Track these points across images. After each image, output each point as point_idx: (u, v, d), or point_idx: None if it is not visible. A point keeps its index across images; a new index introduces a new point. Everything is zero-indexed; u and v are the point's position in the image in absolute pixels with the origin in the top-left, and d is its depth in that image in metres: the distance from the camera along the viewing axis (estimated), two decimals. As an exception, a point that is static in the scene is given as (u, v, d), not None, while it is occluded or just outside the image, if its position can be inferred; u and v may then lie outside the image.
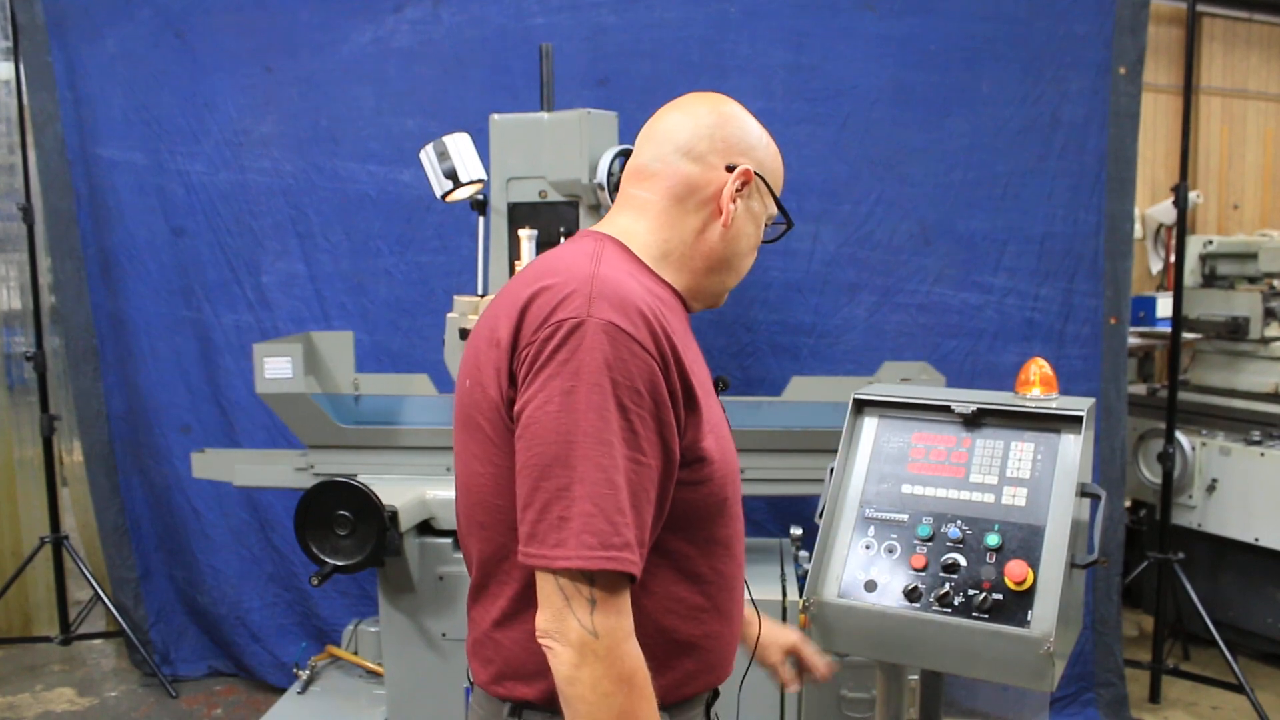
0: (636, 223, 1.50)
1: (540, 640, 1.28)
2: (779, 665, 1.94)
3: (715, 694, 1.59)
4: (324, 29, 4.07)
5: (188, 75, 4.10)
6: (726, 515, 1.45)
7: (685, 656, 1.44)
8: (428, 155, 3.14)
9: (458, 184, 3.10)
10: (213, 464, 3.52)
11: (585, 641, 1.25)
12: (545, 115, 3.17)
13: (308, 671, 3.49)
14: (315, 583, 2.83)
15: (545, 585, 1.27)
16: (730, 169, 1.49)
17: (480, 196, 3.21)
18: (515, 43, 3.91)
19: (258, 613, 4.23)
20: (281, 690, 3.70)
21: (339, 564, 2.85)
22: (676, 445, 1.32)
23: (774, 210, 1.58)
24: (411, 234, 4.04)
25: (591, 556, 1.23)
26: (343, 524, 2.84)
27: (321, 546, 2.86)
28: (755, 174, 1.51)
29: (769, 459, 3.18)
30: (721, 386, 1.61)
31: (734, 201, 1.49)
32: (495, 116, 3.21)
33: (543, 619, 1.28)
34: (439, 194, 3.14)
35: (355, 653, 3.55)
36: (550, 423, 1.26)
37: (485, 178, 3.17)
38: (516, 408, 1.31)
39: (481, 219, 3.24)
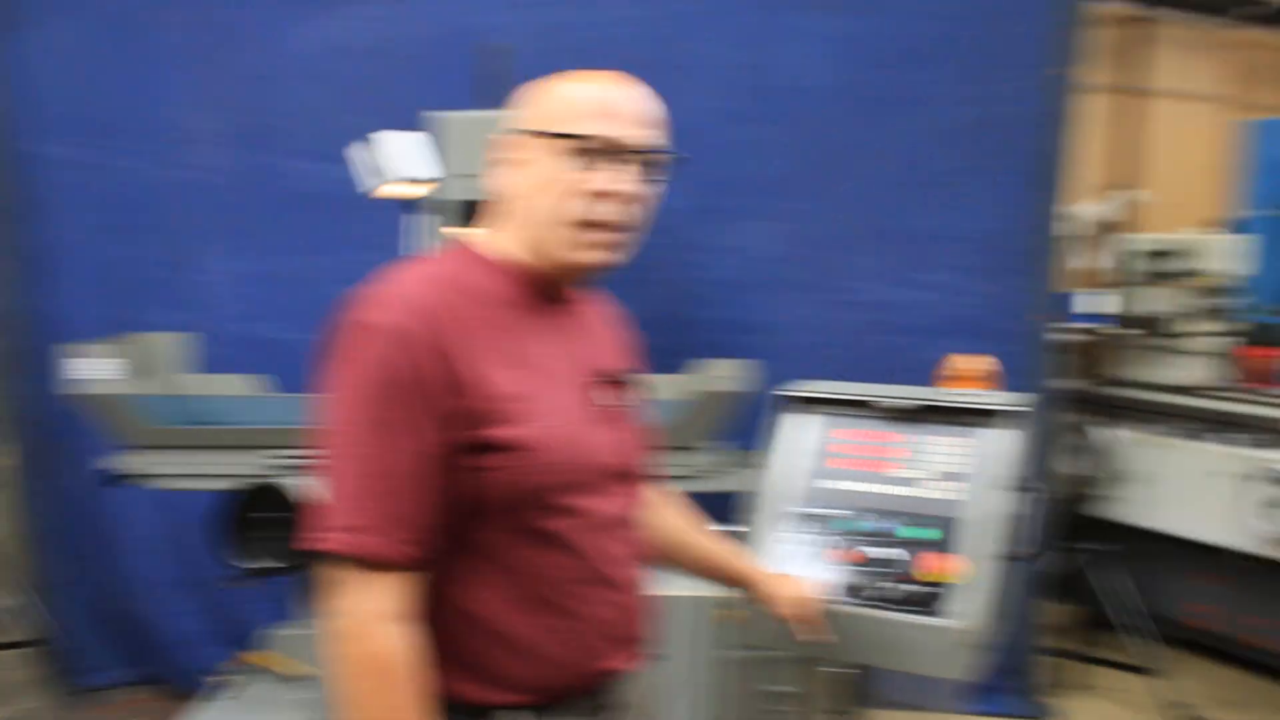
0: (491, 221, 1.57)
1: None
2: (797, 617, 1.97)
3: (611, 703, 1.57)
4: (269, 25, 4.03)
5: (128, 70, 4.03)
6: (550, 506, 1.44)
7: (510, 651, 1.45)
8: (368, 152, 3.13)
9: (399, 181, 3.10)
10: (133, 467, 3.45)
11: (341, 621, 1.35)
12: (492, 113, 3.16)
13: (226, 677, 3.45)
14: (231, 586, 2.80)
15: (322, 566, 1.38)
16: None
17: (420, 195, 3.20)
18: (460, 40, 3.87)
19: (175, 619, 4.16)
20: (200, 697, 3.65)
21: (259, 567, 2.83)
22: (453, 431, 1.37)
23: (567, 144, 1.46)
24: (350, 232, 3.97)
25: (325, 539, 1.35)
26: (259, 525, 2.82)
27: (241, 550, 2.83)
28: (520, 134, 1.50)
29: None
30: (615, 380, 1.60)
31: (509, 169, 1.52)
32: (440, 114, 3.20)
33: (321, 598, 1.38)
34: (377, 191, 3.14)
35: (274, 657, 3.51)
36: (326, 416, 1.39)
37: (428, 175, 3.16)
38: None
39: (421, 217, 3.23)
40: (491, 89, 3.25)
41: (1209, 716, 4.15)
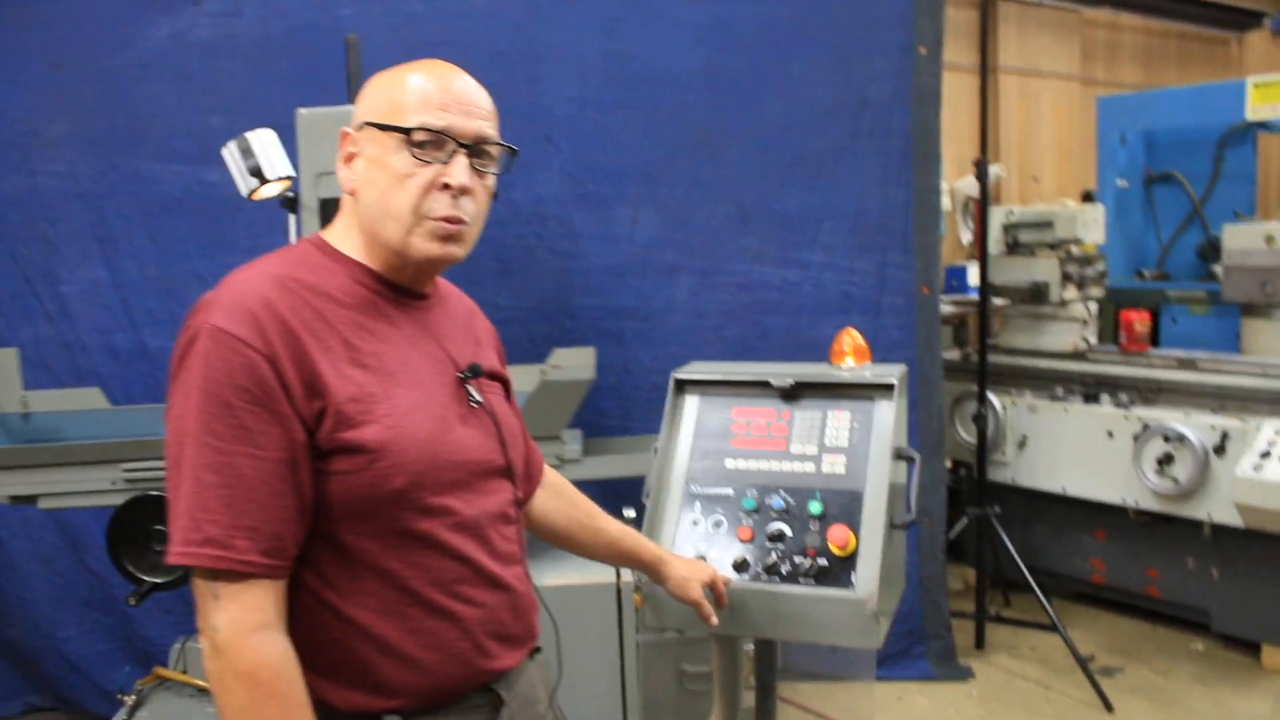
0: (338, 219, 1.55)
1: None
2: (700, 601, 1.98)
3: (498, 702, 1.53)
4: (117, 23, 3.85)
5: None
6: (414, 508, 1.41)
7: (389, 657, 1.41)
8: (231, 153, 3.02)
9: (264, 181, 3.00)
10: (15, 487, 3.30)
11: (209, 635, 1.31)
12: (353, 108, 3.09)
13: (134, 696, 3.32)
14: (133, 602, 2.71)
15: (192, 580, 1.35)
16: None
17: (290, 194, 3.11)
18: (322, 34, 3.79)
19: (75, 641, 3.97)
20: (113, 718, 3.53)
21: (158, 581, 2.73)
22: (301, 435, 1.34)
23: (394, 136, 1.43)
24: (221, 235, 3.87)
25: (177, 553, 1.31)
26: (159, 538, 2.72)
27: (138, 564, 2.74)
28: (354, 129, 1.48)
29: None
30: (481, 375, 1.57)
31: (347, 165, 1.49)
32: (302, 111, 3.11)
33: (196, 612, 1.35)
34: (245, 192, 3.03)
35: (184, 671, 3.40)
36: (170, 427, 1.35)
37: (293, 174, 3.07)
38: None
39: (292, 217, 3.14)
40: (351, 83, 3.18)
41: (1109, 665, 4.33)
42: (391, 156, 1.43)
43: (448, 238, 1.46)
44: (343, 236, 1.51)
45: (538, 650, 1.66)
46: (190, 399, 1.31)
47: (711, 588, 2.01)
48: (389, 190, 1.44)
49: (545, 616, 1.69)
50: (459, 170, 1.44)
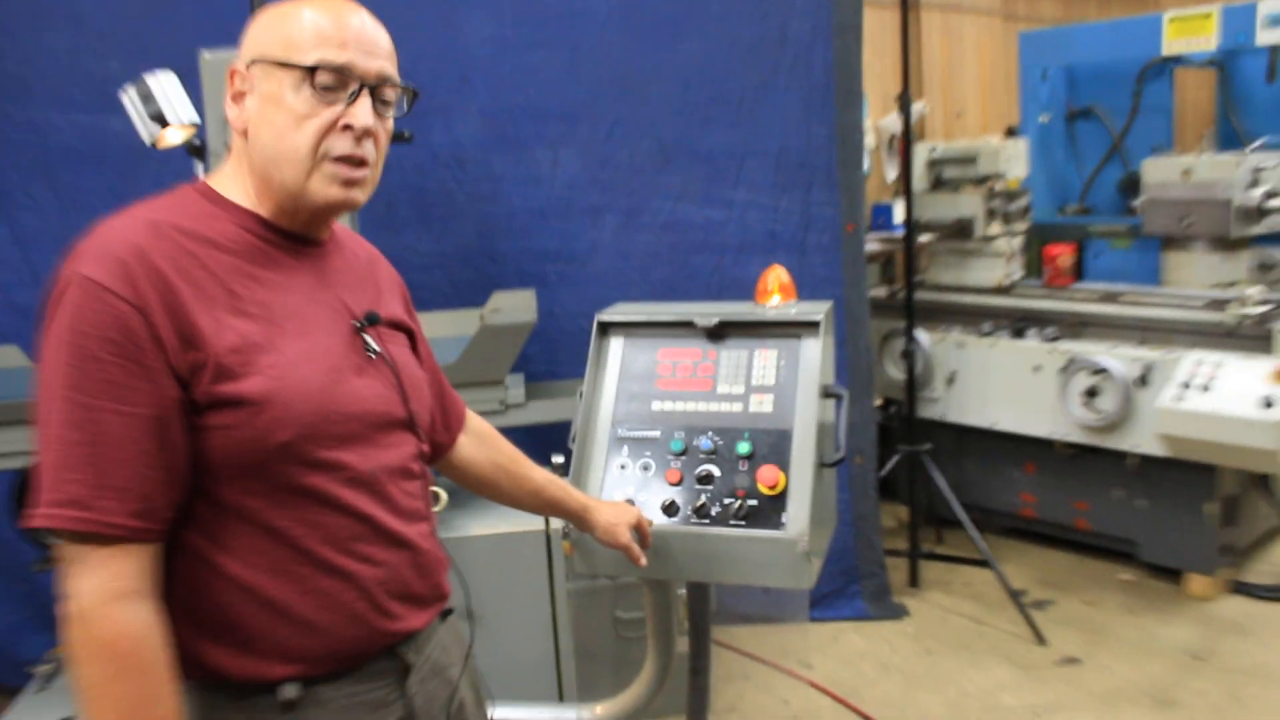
0: (227, 162, 1.46)
1: None
2: (629, 544, 1.95)
3: (405, 666, 1.47)
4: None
5: None
6: (303, 462, 1.34)
7: (282, 620, 1.34)
8: (131, 98, 2.88)
9: (179, 126, 2.87)
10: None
11: (69, 603, 1.24)
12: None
13: (48, 666, 3.24)
14: (42, 569, 2.61)
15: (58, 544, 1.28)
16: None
17: (196, 140, 2.98)
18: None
19: (-11, 610, 3.87)
20: (28, 689, 3.42)
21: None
22: (174, 391, 1.27)
23: (292, 74, 1.35)
24: (127, 185, 3.69)
25: (39, 514, 1.23)
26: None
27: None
28: (245, 66, 1.39)
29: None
30: (382, 324, 1.51)
31: (237, 104, 1.40)
32: (205, 53, 2.98)
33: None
34: (148, 140, 2.89)
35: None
36: (38, 382, 1.27)
37: (197, 119, 2.93)
38: None
39: (200, 164, 3.01)
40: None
41: (1041, 598, 4.41)
42: (289, 95, 1.35)
43: (350, 182, 1.39)
44: (230, 181, 1.42)
45: (449, 612, 1.61)
46: (58, 352, 1.24)
47: (637, 529, 1.98)
48: (286, 130, 1.36)
49: (456, 574, 1.63)
50: (363, 111, 1.37)
